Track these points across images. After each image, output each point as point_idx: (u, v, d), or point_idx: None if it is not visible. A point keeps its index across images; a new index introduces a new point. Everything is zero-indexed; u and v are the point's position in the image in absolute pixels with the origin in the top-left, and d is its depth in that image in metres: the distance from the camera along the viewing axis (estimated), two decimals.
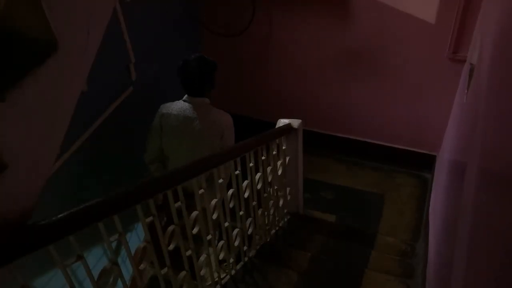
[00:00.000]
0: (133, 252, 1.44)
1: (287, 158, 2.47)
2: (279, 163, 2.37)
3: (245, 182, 2.02)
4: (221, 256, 1.92)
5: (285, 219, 2.68)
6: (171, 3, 2.96)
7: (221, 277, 1.98)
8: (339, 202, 3.20)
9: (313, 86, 3.39)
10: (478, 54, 1.77)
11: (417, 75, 2.98)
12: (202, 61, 2.05)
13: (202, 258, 1.79)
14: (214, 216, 1.80)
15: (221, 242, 1.90)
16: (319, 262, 2.30)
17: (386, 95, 3.17)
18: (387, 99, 3.19)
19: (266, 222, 2.35)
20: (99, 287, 1.29)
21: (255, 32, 3.27)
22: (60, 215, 1.12)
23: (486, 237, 0.94)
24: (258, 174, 2.13)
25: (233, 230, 2.01)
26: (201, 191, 1.68)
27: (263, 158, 2.14)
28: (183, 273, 1.67)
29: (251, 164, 2.02)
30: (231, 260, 2.04)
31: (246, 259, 2.18)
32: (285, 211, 2.68)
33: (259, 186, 2.14)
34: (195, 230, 1.70)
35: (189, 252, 1.68)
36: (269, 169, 2.24)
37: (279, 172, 2.37)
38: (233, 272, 2.08)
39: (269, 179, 2.25)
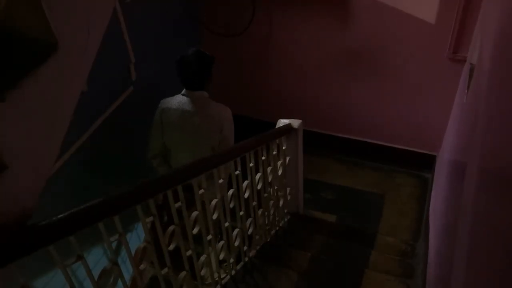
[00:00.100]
0: (133, 252, 1.44)
1: (287, 158, 2.47)
2: (279, 163, 2.37)
3: (245, 182, 2.02)
4: (221, 256, 1.92)
5: (285, 219, 2.68)
6: (171, 3, 2.96)
7: (221, 277, 1.98)
8: (339, 202, 3.20)
9: (313, 86, 3.39)
10: (478, 54, 1.77)
11: (417, 75, 2.98)
12: (199, 55, 2.05)
13: (203, 258, 1.79)
14: (214, 216, 1.80)
15: (221, 242, 1.90)
16: (319, 262, 2.30)
17: (386, 95, 3.17)
18: (387, 99, 3.19)
19: (266, 222, 2.35)
20: (99, 287, 1.29)
21: (255, 32, 3.27)
22: (60, 215, 1.12)
23: (486, 237, 0.94)
24: (258, 174, 2.13)
25: (233, 230, 2.01)
26: (201, 191, 1.68)
27: (263, 158, 2.14)
28: (183, 273, 1.67)
29: (251, 164, 2.02)
30: (231, 260, 2.04)
31: (246, 259, 2.18)
32: (285, 211, 2.68)
33: (259, 186, 2.14)
34: (195, 230, 1.70)
35: (189, 252, 1.68)
36: (269, 169, 2.24)
37: (279, 172, 2.37)
38: (233, 272, 2.08)
39: (269, 179, 2.25)
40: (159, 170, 2.25)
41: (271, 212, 2.38)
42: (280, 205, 2.53)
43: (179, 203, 1.56)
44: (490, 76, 1.27)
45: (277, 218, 2.52)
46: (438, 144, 3.05)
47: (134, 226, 2.52)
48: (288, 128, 2.37)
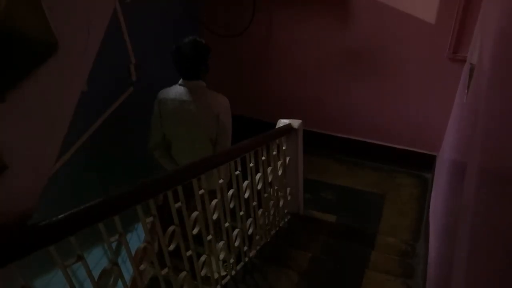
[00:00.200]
0: (133, 252, 1.44)
1: (287, 159, 2.47)
2: (279, 163, 2.37)
3: (245, 183, 2.02)
4: (221, 257, 1.92)
5: (286, 219, 2.68)
6: (171, 3, 2.96)
7: (222, 274, 1.97)
8: (339, 202, 3.19)
9: (313, 86, 3.39)
10: (478, 54, 1.77)
11: (417, 75, 2.98)
12: (195, 44, 2.04)
13: (203, 258, 1.79)
14: (215, 217, 1.80)
15: (222, 243, 1.90)
16: (319, 262, 2.30)
17: (386, 95, 3.17)
18: (387, 99, 3.19)
19: (267, 222, 2.35)
20: (99, 287, 1.29)
21: (255, 32, 3.27)
22: (61, 216, 1.12)
23: (486, 237, 0.94)
24: (258, 175, 2.13)
25: (233, 231, 2.01)
26: (201, 191, 1.68)
27: (263, 158, 2.14)
28: (183, 273, 1.67)
29: (251, 165, 2.02)
30: (232, 261, 2.04)
31: (246, 259, 2.18)
32: (286, 211, 2.68)
33: (259, 187, 2.14)
34: (195, 231, 1.70)
35: (189, 253, 1.68)
36: (269, 169, 2.24)
37: (279, 172, 2.37)
38: (233, 272, 2.08)
39: (269, 180, 2.25)
40: (161, 162, 2.26)
41: (271, 212, 2.38)
42: (280, 205, 2.53)
43: (179, 203, 1.56)
44: (490, 76, 1.27)
45: (277, 218, 2.52)
46: (438, 144, 3.05)
47: (134, 226, 2.52)
48: (288, 128, 2.37)
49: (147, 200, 1.40)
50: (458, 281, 1.18)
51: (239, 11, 3.23)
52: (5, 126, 0.92)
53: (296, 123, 2.39)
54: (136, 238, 2.50)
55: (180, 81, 2.10)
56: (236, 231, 2.03)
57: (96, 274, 1.29)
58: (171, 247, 1.59)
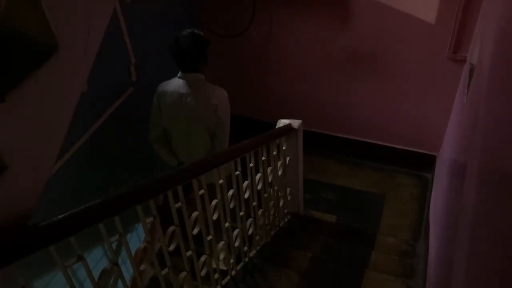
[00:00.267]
0: (133, 252, 1.44)
1: (288, 159, 2.47)
2: (279, 163, 2.37)
3: (246, 183, 2.02)
4: (221, 257, 1.92)
5: (286, 220, 2.68)
6: (171, 3, 2.96)
7: (223, 269, 1.97)
8: (339, 203, 3.19)
9: (313, 86, 3.39)
10: (478, 54, 1.77)
11: (417, 75, 2.97)
12: (193, 35, 2.03)
13: (203, 258, 1.79)
14: (215, 217, 1.80)
15: (222, 243, 1.90)
16: (319, 262, 2.30)
17: (386, 95, 3.17)
18: (387, 99, 3.19)
19: (267, 222, 2.35)
20: (99, 287, 1.29)
21: (255, 32, 3.27)
22: (61, 216, 1.12)
23: (486, 237, 0.94)
24: (259, 175, 2.13)
25: (233, 231, 2.01)
26: (202, 191, 1.68)
27: (263, 158, 2.14)
28: (183, 273, 1.67)
29: (251, 165, 2.02)
30: (232, 261, 2.04)
31: (246, 259, 2.18)
32: (286, 211, 2.68)
33: (259, 187, 2.14)
34: (195, 231, 1.70)
35: (189, 253, 1.68)
36: (269, 169, 2.24)
37: (279, 172, 2.37)
38: (233, 272, 2.08)
39: (270, 180, 2.25)
40: (160, 154, 2.27)
41: (271, 212, 2.38)
42: (280, 205, 2.53)
43: (179, 203, 1.56)
44: (490, 76, 1.27)
45: (277, 219, 2.52)
46: (438, 144, 3.05)
47: (134, 227, 2.52)
48: (288, 128, 2.37)
49: (147, 200, 1.40)
50: (458, 281, 1.18)
51: (239, 11, 3.23)
52: (5, 126, 0.92)
53: (296, 123, 2.39)
54: (136, 238, 2.50)
55: (179, 73, 2.10)
56: (236, 231, 2.03)
57: (96, 274, 1.29)
58: (171, 247, 1.59)
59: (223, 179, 1.80)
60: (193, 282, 1.75)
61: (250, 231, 2.16)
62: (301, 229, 2.67)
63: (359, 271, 2.21)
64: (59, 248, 1.14)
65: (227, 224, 1.90)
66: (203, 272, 1.80)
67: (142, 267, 1.49)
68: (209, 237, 1.79)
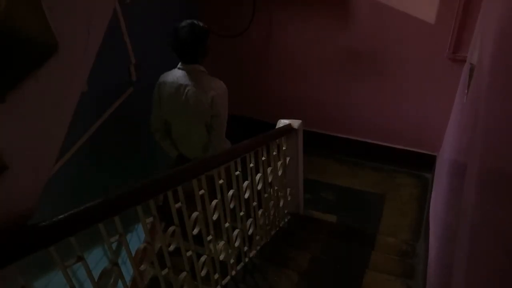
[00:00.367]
0: (133, 253, 1.44)
1: (288, 159, 2.47)
2: (279, 163, 2.37)
3: (246, 183, 2.02)
4: (221, 257, 1.92)
5: (286, 220, 2.68)
6: (171, 3, 2.96)
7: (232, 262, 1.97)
8: (339, 203, 3.19)
9: (313, 86, 3.39)
10: (478, 54, 1.76)
11: (417, 75, 2.97)
12: (193, 26, 2.02)
13: (203, 258, 1.79)
14: (215, 217, 1.80)
15: (222, 243, 1.90)
16: (319, 263, 2.30)
17: (386, 95, 3.17)
18: (387, 99, 3.19)
19: (267, 222, 2.35)
20: (99, 287, 1.29)
21: (255, 32, 3.27)
22: (61, 216, 1.12)
23: (486, 237, 0.94)
24: (259, 175, 2.13)
25: (233, 231, 2.01)
26: (202, 191, 1.68)
27: (263, 158, 2.14)
28: (183, 274, 1.67)
29: (251, 165, 2.02)
30: (232, 261, 2.04)
31: (246, 259, 2.18)
32: (286, 211, 2.68)
33: (259, 187, 2.13)
34: (195, 231, 1.70)
35: (189, 253, 1.68)
36: (269, 169, 2.24)
37: (280, 172, 2.37)
38: (233, 272, 2.08)
39: (270, 180, 2.25)
40: (161, 144, 2.28)
41: (271, 212, 2.38)
42: (280, 206, 2.53)
43: (179, 204, 1.56)
44: (490, 76, 1.27)
45: (277, 219, 2.52)
46: (438, 144, 3.05)
47: (134, 227, 2.52)
48: (288, 128, 2.37)
49: (147, 200, 1.40)
50: (458, 281, 1.18)
51: (239, 11, 3.23)
52: (5, 126, 0.92)
53: (296, 123, 2.39)
54: (136, 239, 2.50)
55: (179, 64, 2.10)
56: (236, 232, 2.03)
57: (96, 274, 1.29)
58: (171, 247, 1.59)
59: (223, 179, 1.80)
60: (193, 282, 1.75)
61: (250, 231, 2.16)
62: (301, 229, 2.67)
63: (359, 271, 2.21)
64: (59, 248, 1.14)
65: (227, 224, 1.90)
66: (203, 272, 1.80)
67: (142, 267, 1.49)
68: (209, 237, 1.79)
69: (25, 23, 0.90)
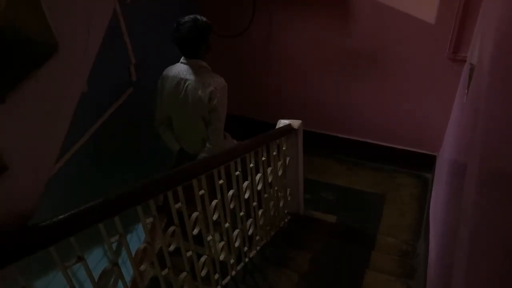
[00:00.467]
0: (133, 253, 1.44)
1: (288, 159, 2.47)
2: (279, 163, 2.37)
3: (246, 183, 2.02)
4: (221, 257, 1.92)
5: (286, 220, 2.68)
6: (171, 3, 2.96)
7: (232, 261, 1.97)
8: (339, 203, 3.19)
9: (313, 86, 3.39)
10: (478, 54, 1.76)
11: (417, 75, 2.97)
12: (195, 22, 2.03)
13: (203, 259, 1.79)
14: (215, 217, 1.79)
15: (222, 243, 1.90)
16: (319, 263, 2.30)
17: (386, 95, 3.17)
18: (387, 99, 3.19)
19: (267, 222, 2.35)
20: None
21: (255, 32, 3.27)
22: (61, 216, 1.12)
23: (486, 237, 0.94)
24: (259, 175, 2.12)
25: (233, 231, 2.01)
26: (202, 192, 1.68)
27: (263, 158, 2.14)
28: (183, 274, 1.67)
29: (251, 165, 2.02)
30: (232, 261, 2.04)
31: (246, 259, 2.18)
32: (286, 211, 2.67)
33: (259, 187, 2.13)
34: (195, 231, 1.70)
35: (189, 253, 1.68)
36: (269, 169, 2.24)
37: (280, 172, 2.37)
38: (233, 273, 2.08)
39: (270, 180, 2.25)
40: (164, 138, 2.30)
41: (272, 212, 2.38)
42: (281, 206, 2.53)
43: (179, 204, 1.56)
44: (490, 76, 1.27)
45: (277, 219, 2.52)
46: (438, 144, 3.05)
47: (134, 227, 2.52)
48: (288, 128, 2.37)
49: (147, 200, 1.40)
50: (458, 281, 1.18)
51: (239, 11, 3.23)
52: (5, 127, 0.92)
53: (296, 123, 2.39)
54: (136, 239, 2.50)
55: (182, 58, 2.11)
56: (236, 232, 2.03)
57: (96, 274, 1.29)
58: (172, 247, 1.59)
59: (223, 179, 1.80)
60: (193, 282, 1.75)
61: (250, 232, 2.16)
62: (301, 229, 2.67)
63: (359, 271, 2.21)
64: (59, 248, 1.14)
65: (227, 225, 1.90)
66: (203, 273, 1.80)
67: (142, 267, 1.49)
68: (209, 237, 1.79)
69: (25, 23, 0.90)
